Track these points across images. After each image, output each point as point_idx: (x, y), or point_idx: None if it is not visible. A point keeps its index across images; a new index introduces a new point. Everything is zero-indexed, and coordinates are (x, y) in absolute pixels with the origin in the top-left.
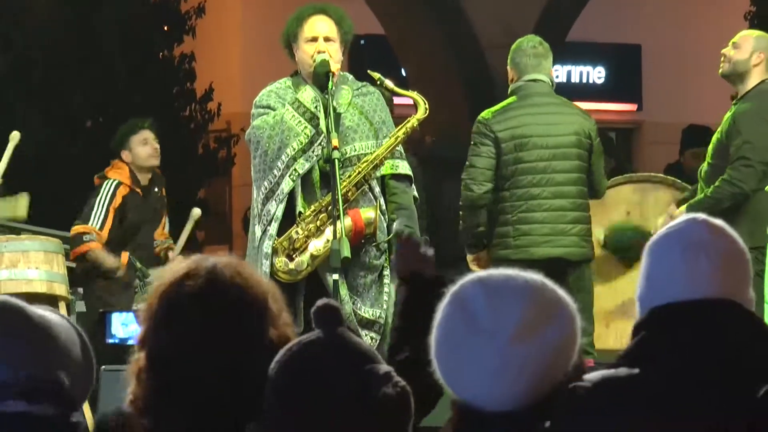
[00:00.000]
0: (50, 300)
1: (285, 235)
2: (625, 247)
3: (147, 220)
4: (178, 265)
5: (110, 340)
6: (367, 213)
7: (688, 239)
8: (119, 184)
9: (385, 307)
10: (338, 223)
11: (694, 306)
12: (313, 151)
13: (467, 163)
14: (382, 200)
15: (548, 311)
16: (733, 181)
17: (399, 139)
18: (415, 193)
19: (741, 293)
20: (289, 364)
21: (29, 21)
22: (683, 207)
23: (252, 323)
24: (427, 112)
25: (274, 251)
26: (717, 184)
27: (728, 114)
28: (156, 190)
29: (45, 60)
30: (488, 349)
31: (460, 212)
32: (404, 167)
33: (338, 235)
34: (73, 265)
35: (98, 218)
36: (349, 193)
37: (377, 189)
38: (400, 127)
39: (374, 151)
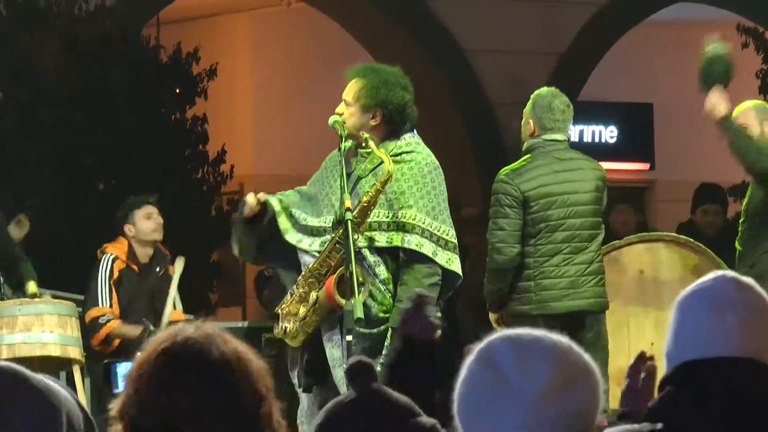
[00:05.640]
0: (64, 363)
1: (285, 299)
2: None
3: (141, 297)
4: (157, 337)
5: (117, 390)
6: (335, 279)
7: (716, 296)
8: (115, 258)
9: None
10: (353, 283)
11: (717, 364)
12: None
13: (492, 224)
14: (381, 269)
15: (576, 375)
16: None
17: (363, 205)
18: (428, 268)
19: (767, 352)
20: (334, 426)
21: (35, 77)
22: None
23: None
24: (389, 175)
25: (275, 314)
26: None
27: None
28: (158, 269)
29: (54, 118)
30: (516, 408)
31: (487, 274)
32: (410, 241)
33: (352, 297)
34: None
35: (105, 297)
36: (330, 259)
37: (371, 258)
38: (365, 192)
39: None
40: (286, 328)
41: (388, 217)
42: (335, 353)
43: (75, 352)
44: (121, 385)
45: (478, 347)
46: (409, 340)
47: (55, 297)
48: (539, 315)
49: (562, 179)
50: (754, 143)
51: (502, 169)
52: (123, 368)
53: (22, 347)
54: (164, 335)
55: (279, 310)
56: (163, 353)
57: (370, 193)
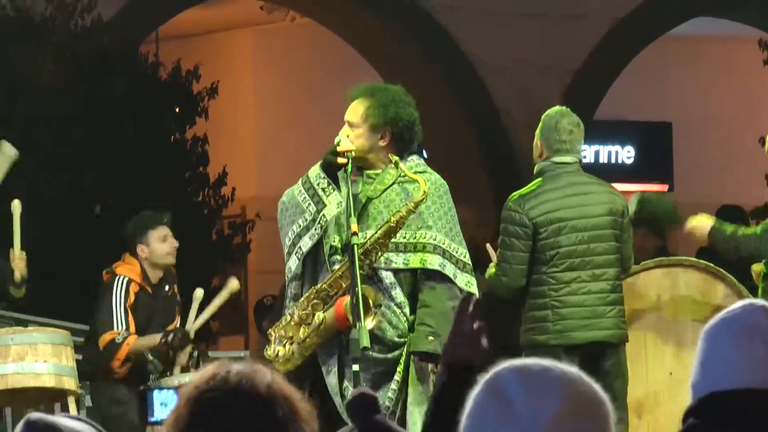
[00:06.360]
0: (59, 394)
1: (279, 321)
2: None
3: (155, 318)
4: (204, 371)
5: (152, 419)
6: (347, 300)
7: (743, 323)
8: (130, 281)
9: (387, 404)
10: (359, 310)
11: (744, 395)
12: (315, 230)
13: (499, 254)
14: (398, 291)
15: (585, 405)
16: None
17: (390, 226)
18: (450, 290)
19: None
20: None
21: (31, 93)
22: None
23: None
24: (425, 196)
25: (268, 338)
26: None
27: None
28: (167, 288)
29: (51, 136)
30: None
31: (492, 283)
32: (432, 262)
33: (358, 324)
34: (80, 357)
35: (121, 321)
36: (342, 280)
37: (388, 280)
38: (394, 213)
39: (369, 239)
40: (278, 351)
41: (405, 237)
42: (332, 380)
43: (70, 383)
44: (156, 414)
45: (485, 378)
46: (455, 367)
47: (49, 326)
48: (558, 345)
49: (571, 204)
50: (739, 238)
51: (512, 194)
52: (162, 395)
53: (15, 377)
54: (212, 368)
55: (272, 332)
56: (208, 385)
57: (401, 213)
